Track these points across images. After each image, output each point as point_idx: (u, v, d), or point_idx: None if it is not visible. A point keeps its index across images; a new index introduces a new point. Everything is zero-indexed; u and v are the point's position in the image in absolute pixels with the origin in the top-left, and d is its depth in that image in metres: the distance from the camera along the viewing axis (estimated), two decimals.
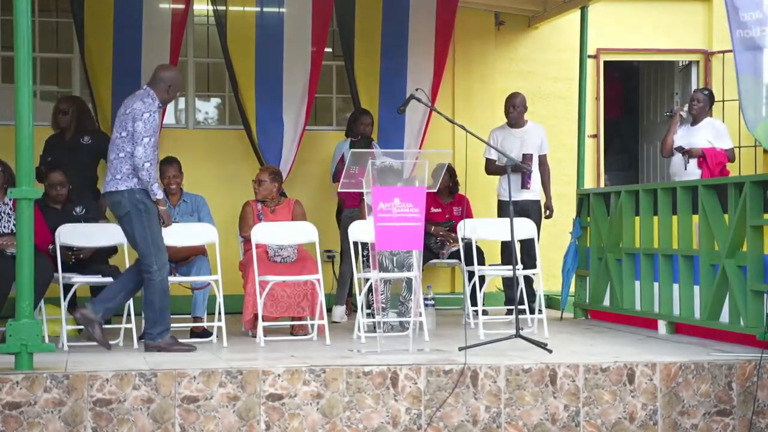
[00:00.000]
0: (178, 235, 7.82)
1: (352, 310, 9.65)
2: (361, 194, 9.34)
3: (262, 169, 9.05)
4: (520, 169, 9.21)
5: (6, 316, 6.65)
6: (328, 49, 10.67)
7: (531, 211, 9.62)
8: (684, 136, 9.96)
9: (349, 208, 9.73)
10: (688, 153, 9.70)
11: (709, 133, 9.84)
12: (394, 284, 8.62)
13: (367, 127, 10.08)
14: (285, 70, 10.39)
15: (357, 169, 7.56)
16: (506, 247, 9.36)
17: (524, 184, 9.71)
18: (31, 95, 6.29)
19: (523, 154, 9.72)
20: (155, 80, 7.44)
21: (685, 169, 9.69)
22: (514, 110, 9.86)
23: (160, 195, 7.35)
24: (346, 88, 10.80)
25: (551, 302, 10.20)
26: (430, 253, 9.63)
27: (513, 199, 9.40)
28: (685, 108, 9.80)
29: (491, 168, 9.90)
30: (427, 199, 7.39)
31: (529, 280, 9.12)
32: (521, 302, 8.42)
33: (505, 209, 9.64)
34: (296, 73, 10.38)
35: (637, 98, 12.98)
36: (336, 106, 11.03)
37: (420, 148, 10.50)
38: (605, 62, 11.67)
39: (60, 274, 7.64)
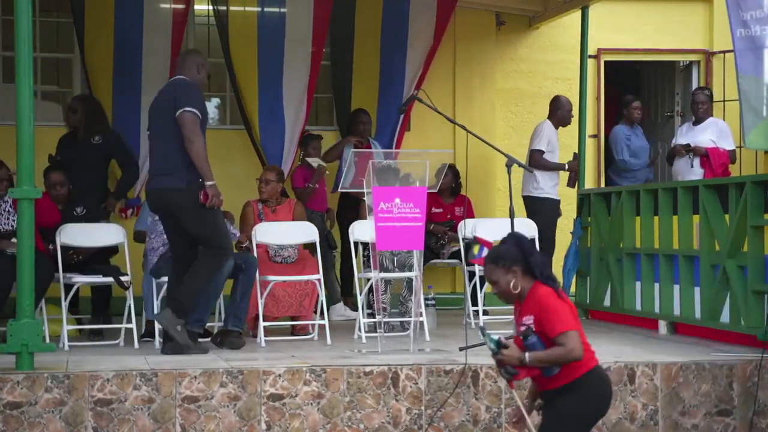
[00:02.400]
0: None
1: (352, 309, 9.65)
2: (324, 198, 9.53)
3: (268, 168, 9.04)
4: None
5: (6, 316, 6.65)
6: (326, 49, 10.66)
7: (557, 209, 10.00)
8: (688, 135, 9.97)
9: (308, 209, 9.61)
10: (693, 151, 9.71)
11: (713, 133, 9.86)
12: (395, 284, 8.61)
13: (366, 126, 10.16)
14: (285, 70, 10.38)
15: (356, 168, 7.63)
16: None
17: (572, 183, 9.97)
18: (31, 95, 6.29)
19: (574, 153, 10.03)
20: None
21: (692, 166, 9.70)
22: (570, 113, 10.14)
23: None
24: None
25: None
26: (430, 253, 9.63)
27: (552, 197, 9.87)
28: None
29: (544, 162, 9.90)
30: (428, 199, 7.39)
31: None
32: None
33: (549, 208, 9.81)
34: (297, 72, 10.38)
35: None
36: (336, 106, 11.00)
37: (398, 147, 10.52)
38: (606, 62, 11.67)
39: (60, 274, 7.64)
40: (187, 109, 7.00)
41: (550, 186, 9.93)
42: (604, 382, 4.73)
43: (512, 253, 4.66)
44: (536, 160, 9.89)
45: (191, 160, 7.04)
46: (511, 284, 4.62)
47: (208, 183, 7.02)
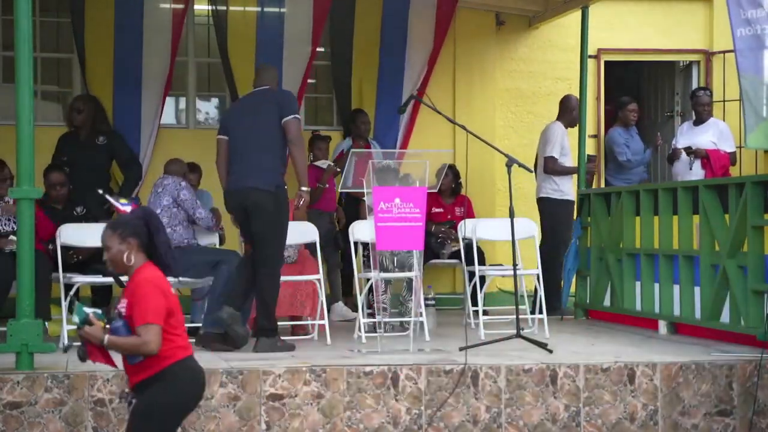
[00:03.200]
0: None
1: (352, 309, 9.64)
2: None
3: None
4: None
5: (6, 316, 6.64)
6: (321, 49, 10.64)
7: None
8: (688, 136, 9.96)
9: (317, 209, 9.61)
10: (693, 153, 9.70)
11: (714, 134, 9.84)
12: (395, 284, 8.61)
13: (366, 126, 10.18)
14: (284, 71, 10.37)
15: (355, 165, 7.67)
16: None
17: (588, 184, 10.03)
18: (31, 95, 6.29)
19: (588, 155, 10.03)
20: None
21: (691, 169, 9.69)
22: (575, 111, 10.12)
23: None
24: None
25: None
26: (430, 252, 9.62)
27: (571, 199, 9.88)
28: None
29: (559, 168, 9.91)
30: (428, 199, 7.39)
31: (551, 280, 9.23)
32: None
33: (568, 210, 9.81)
34: (294, 73, 10.37)
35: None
36: (336, 106, 11.00)
37: (405, 148, 10.53)
38: (606, 62, 11.67)
39: (60, 274, 7.63)
40: (296, 116, 7.39)
41: (568, 188, 9.95)
42: (191, 374, 4.56)
43: (134, 225, 4.54)
44: (551, 167, 9.87)
45: (286, 164, 7.43)
46: (125, 255, 4.51)
47: (306, 189, 7.36)
